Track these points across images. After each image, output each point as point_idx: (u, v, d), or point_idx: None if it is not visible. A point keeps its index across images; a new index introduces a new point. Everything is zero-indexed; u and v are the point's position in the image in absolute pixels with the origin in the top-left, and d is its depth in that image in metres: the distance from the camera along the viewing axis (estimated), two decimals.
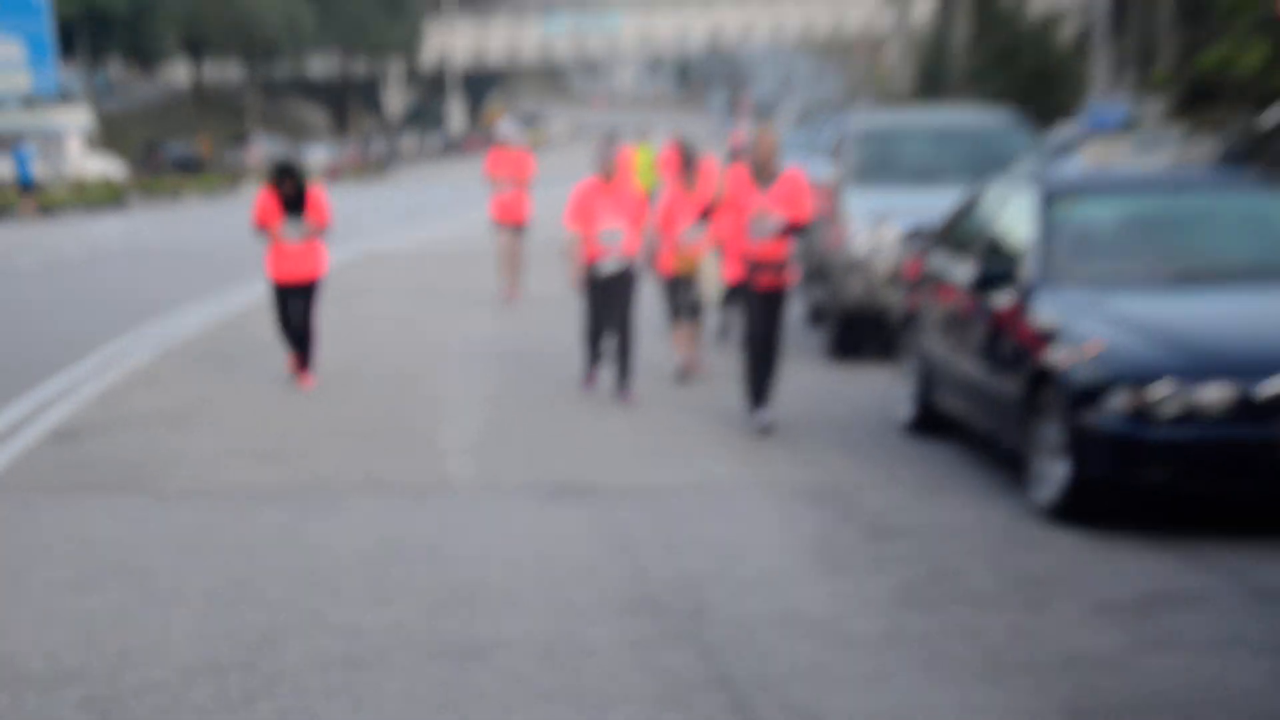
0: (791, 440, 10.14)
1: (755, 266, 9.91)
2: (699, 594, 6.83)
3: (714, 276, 12.00)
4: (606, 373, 11.75)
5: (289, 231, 11.92)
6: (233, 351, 13.86)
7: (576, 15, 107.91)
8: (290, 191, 11.93)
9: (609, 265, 11.07)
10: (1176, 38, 42.83)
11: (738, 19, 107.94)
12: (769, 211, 9.84)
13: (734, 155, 14.25)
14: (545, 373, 12.78)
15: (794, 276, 10.27)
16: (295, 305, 12.13)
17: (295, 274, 12.09)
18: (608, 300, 11.15)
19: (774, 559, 7.43)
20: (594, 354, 11.62)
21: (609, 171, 11.11)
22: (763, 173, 9.99)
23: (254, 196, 12.40)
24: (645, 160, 19.63)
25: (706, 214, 11.21)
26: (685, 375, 12.26)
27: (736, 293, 10.34)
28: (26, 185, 42.07)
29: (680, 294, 12.18)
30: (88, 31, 66.25)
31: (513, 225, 17.83)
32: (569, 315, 13.96)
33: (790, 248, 10.10)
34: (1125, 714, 5.43)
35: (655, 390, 11.73)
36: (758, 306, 10.01)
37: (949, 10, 50.75)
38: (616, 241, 11.03)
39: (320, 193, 12.30)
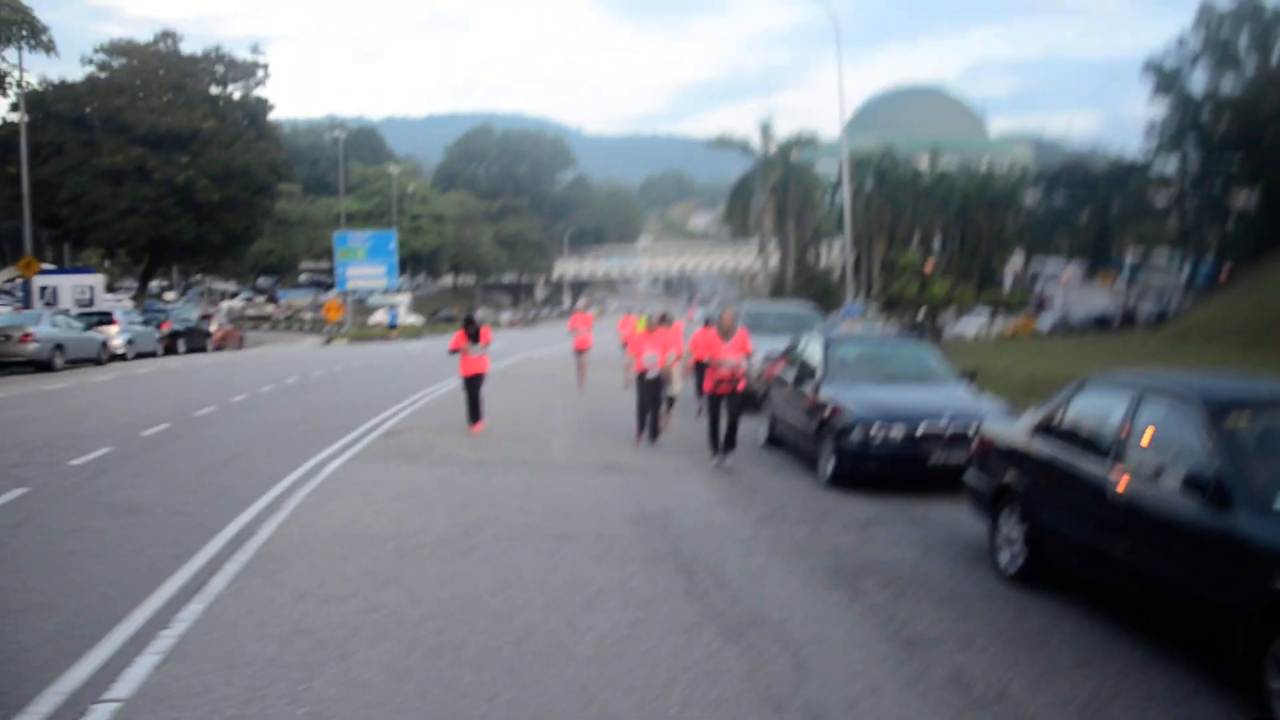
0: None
1: (719, 382, 9.03)
2: (667, 516, 6.82)
3: (677, 379, 11.56)
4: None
5: (471, 349, 11.27)
6: (459, 403, 13.77)
7: (621, 257, 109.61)
8: (471, 330, 11.36)
9: (651, 372, 10.41)
10: (882, 278, 44.14)
11: (693, 261, 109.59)
12: (730, 356, 8.96)
13: (700, 321, 13.67)
14: (599, 418, 12.67)
15: (744, 384, 9.21)
16: (473, 386, 11.34)
17: (474, 370, 11.35)
18: (650, 391, 10.44)
19: (702, 500, 7.41)
20: (641, 423, 10.56)
21: (652, 326, 10.90)
22: (727, 332, 9.05)
23: (454, 331, 11.72)
24: (643, 323, 19.48)
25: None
26: (664, 430, 11.04)
27: (707, 396, 9.20)
28: (392, 325, 43.81)
29: (661, 388, 11.64)
30: (411, 261, 67.07)
31: (582, 351, 17.39)
32: (611, 397, 13.95)
33: (742, 370, 9.03)
34: (856, 571, 5.42)
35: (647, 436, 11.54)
36: (724, 403, 8.99)
37: (785, 262, 51.60)
38: (653, 361, 10.43)
39: (488, 329, 11.56)
